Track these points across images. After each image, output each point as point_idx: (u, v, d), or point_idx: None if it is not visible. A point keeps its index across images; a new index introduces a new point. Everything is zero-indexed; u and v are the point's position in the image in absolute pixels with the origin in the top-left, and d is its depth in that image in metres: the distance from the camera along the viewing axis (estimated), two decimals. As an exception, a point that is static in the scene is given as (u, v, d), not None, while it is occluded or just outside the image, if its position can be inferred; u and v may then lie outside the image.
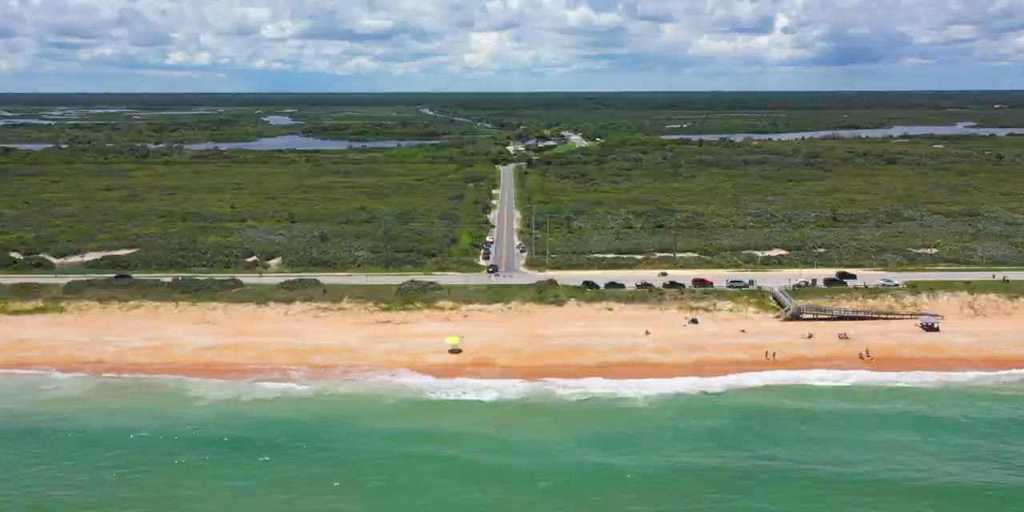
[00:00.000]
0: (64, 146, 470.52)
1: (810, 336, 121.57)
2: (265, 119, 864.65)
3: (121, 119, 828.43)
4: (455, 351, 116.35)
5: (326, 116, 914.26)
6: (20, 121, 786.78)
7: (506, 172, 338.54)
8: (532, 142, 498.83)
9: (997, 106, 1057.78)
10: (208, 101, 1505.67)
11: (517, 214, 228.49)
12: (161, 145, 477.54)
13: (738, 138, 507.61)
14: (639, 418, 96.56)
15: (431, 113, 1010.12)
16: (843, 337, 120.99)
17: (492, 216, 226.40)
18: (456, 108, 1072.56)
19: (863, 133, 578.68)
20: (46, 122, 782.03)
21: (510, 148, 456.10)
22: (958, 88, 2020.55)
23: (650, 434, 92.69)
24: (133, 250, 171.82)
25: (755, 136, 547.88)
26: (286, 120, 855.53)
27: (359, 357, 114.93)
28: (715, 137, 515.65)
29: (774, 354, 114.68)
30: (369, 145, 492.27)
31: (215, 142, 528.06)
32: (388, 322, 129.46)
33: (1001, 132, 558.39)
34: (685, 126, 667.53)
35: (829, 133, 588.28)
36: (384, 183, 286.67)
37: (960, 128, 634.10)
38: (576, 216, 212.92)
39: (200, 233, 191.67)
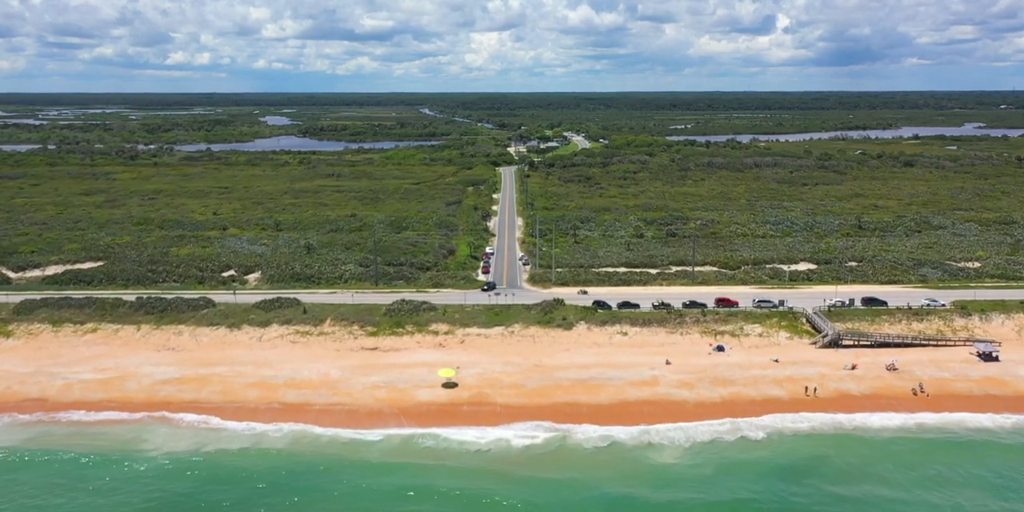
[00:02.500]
0: (51, 147, 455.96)
1: (854, 367, 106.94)
2: (263, 119, 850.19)
3: (116, 119, 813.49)
4: (449, 385, 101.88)
5: (324, 116, 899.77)
6: (13, 121, 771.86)
7: (507, 174, 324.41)
8: (533, 143, 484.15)
9: (1003, 106, 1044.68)
10: (208, 101, 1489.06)
11: (519, 221, 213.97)
12: (152, 146, 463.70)
13: (744, 139, 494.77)
14: (671, 476, 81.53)
15: (431, 113, 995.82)
16: (891, 369, 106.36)
17: (492, 223, 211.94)
18: (456, 108, 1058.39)
19: (872, 134, 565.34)
20: (39, 122, 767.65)
21: (511, 149, 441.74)
22: (959, 88, 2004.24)
23: (687, 497, 77.93)
24: (99, 263, 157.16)
25: (761, 137, 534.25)
26: (284, 120, 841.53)
27: (340, 393, 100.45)
28: (721, 138, 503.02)
29: (815, 390, 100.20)
30: (366, 146, 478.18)
31: (209, 143, 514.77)
32: (375, 349, 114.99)
33: (1013, 133, 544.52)
34: (689, 127, 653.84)
35: (837, 134, 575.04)
36: (379, 187, 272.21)
37: (969, 129, 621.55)
38: (582, 224, 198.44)
39: (176, 243, 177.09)
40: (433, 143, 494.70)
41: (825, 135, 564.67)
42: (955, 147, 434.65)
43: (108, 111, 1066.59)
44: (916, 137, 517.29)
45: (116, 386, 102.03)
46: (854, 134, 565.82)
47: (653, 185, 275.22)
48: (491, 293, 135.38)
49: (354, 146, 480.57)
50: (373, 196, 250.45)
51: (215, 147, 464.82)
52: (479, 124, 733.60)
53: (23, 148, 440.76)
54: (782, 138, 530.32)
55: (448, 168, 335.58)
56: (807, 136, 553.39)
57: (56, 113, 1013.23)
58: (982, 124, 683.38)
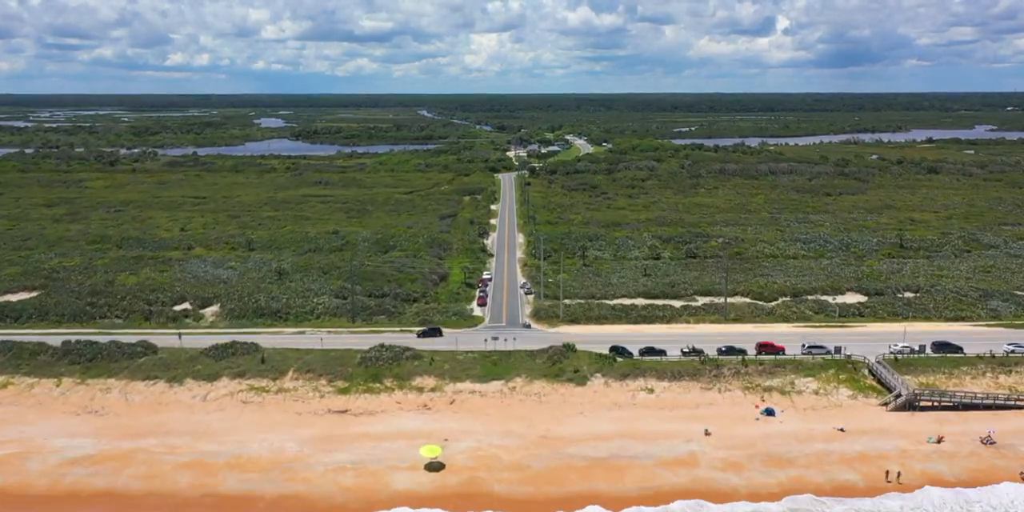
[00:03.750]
0: (28, 151, 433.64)
1: (940, 440, 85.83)
2: (257, 121, 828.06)
3: (106, 121, 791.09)
4: (434, 467, 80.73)
5: (320, 118, 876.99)
6: (0, 123, 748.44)
7: (507, 182, 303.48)
8: (534, 147, 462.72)
9: (1009, 108, 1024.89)
10: (205, 103, 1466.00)
11: (520, 238, 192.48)
12: (135, 150, 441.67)
13: (752, 142, 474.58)
14: None
15: (429, 115, 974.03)
16: (987, 441, 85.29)
17: (490, 240, 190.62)
18: (455, 110, 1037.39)
19: (883, 137, 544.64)
20: (26, 125, 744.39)
21: (511, 153, 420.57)
22: (959, 90, 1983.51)
23: None
24: (34, 294, 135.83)
25: (769, 140, 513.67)
26: (278, 122, 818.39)
27: (295, 478, 79.26)
28: (728, 141, 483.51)
29: (899, 474, 79.06)
30: (360, 150, 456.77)
31: (197, 146, 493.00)
32: (344, 412, 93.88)
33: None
34: (693, 129, 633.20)
35: (848, 137, 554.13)
36: (368, 196, 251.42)
37: (982, 132, 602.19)
38: (591, 242, 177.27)
39: (131, 266, 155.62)
40: (429, 147, 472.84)
41: (835, 138, 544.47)
42: (972, 151, 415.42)
43: (101, 113, 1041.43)
44: (930, 140, 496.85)
45: (13, 468, 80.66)
46: (866, 137, 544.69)
47: (664, 194, 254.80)
48: (489, 337, 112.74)
49: (347, 150, 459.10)
50: (361, 207, 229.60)
51: (203, 151, 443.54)
52: (478, 126, 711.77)
53: (2, 152, 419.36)
54: (791, 141, 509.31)
55: (444, 175, 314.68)
56: (816, 139, 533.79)
57: (48, 114, 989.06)
58: (994, 127, 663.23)
